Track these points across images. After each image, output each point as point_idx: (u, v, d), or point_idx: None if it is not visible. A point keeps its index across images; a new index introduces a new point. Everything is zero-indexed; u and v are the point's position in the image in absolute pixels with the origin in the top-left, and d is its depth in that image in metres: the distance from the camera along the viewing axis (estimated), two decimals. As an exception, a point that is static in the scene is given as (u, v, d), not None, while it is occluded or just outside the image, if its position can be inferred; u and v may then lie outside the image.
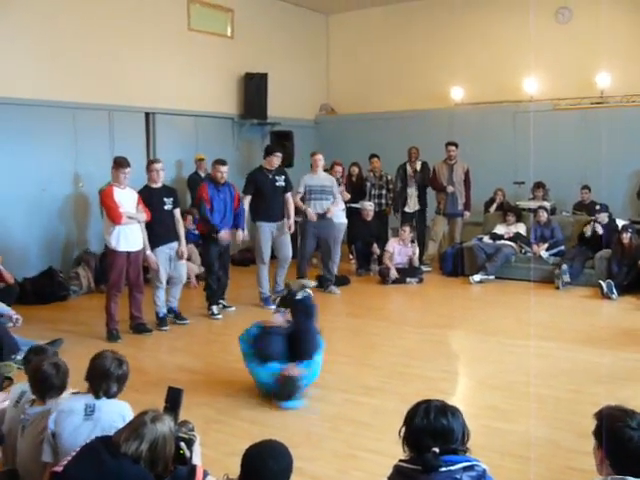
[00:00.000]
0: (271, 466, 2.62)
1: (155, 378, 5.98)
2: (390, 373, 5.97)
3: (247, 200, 8.49)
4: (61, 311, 8.63)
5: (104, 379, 3.44)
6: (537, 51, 11.97)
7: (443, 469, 2.52)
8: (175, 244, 7.71)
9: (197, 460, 3.11)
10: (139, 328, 7.42)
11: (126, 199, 7.13)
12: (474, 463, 2.58)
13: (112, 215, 7.02)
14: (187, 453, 3.07)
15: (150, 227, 7.45)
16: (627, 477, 2.42)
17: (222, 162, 8.14)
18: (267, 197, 8.51)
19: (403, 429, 2.69)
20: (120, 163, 7.19)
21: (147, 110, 11.02)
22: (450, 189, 10.85)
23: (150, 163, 7.77)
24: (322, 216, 9.23)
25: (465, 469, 2.54)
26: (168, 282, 7.76)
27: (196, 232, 9.27)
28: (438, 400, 2.75)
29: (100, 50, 10.08)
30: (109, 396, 3.46)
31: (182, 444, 3.08)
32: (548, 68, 11.88)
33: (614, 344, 6.72)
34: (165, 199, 7.61)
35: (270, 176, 8.54)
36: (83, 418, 3.35)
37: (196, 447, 3.14)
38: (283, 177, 8.68)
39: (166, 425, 2.92)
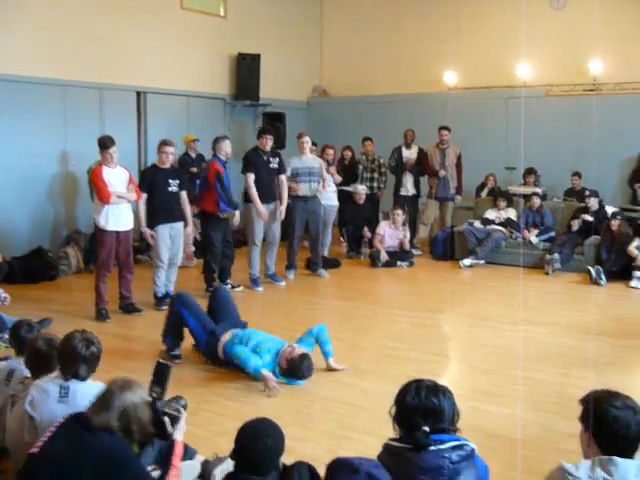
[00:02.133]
0: (264, 444, 2.64)
1: (145, 358, 5.97)
2: (380, 356, 5.99)
3: (251, 179, 8.41)
4: (50, 291, 8.60)
5: (71, 360, 3.40)
6: (531, 37, 11.96)
7: (433, 448, 2.54)
8: (178, 225, 7.67)
9: (179, 436, 3.10)
10: (129, 308, 7.40)
11: (116, 178, 7.09)
12: (463, 442, 2.61)
13: (101, 194, 7.00)
14: (169, 429, 3.08)
15: (151, 205, 7.47)
16: (614, 457, 2.44)
17: (228, 137, 8.43)
18: (261, 178, 8.48)
19: (394, 408, 2.71)
20: (104, 143, 7.15)
21: (138, 89, 10.94)
22: (442, 173, 10.85)
23: (162, 144, 7.66)
24: (310, 198, 9.20)
25: (454, 448, 2.56)
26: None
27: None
28: (429, 380, 2.77)
29: (92, 28, 9.99)
30: (79, 378, 3.40)
31: (166, 419, 3.09)
32: (541, 54, 11.86)
33: (602, 329, 6.75)
34: (170, 180, 7.59)
35: (265, 157, 8.54)
36: (57, 400, 3.33)
37: (181, 424, 3.14)
38: (277, 159, 8.68)
39: (136, 393, 2.94)
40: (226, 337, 5.57)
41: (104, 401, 2.89)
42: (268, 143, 8.53)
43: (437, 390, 2.70)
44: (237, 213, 8.34)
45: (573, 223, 9.92)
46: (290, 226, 9.28)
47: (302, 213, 9.14)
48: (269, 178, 8.57)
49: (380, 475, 2.33)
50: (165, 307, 7.50)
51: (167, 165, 7.63)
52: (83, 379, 3.41)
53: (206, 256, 8.42)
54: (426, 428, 2.58)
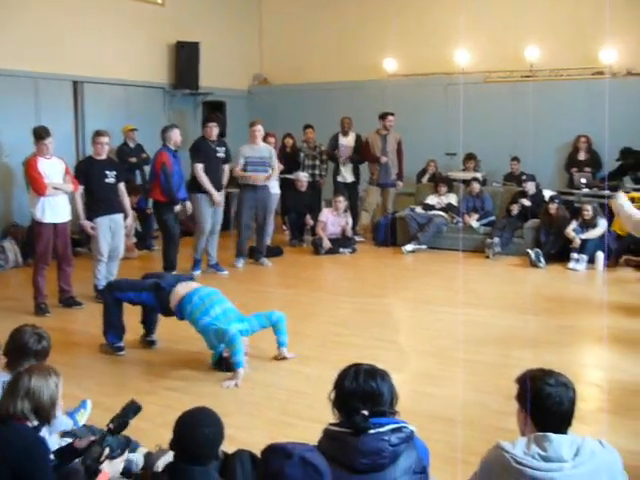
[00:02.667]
0: (202, 433, 2.63)
1: (86, 351, 5.91)
2: (323, 342, 6.02)
3: (200, 168, 8.42)
4: (-13, 286, 8.40)
5: (21, 354, 3.34)
6: (468, 23, 12.08)
7: (372, 431, 2.55)
8: (117, 217, 7.55)
9: (108, 469, 2.96)
10: (69, 302, 7.28)
11: (52, 169, 6.94)
12: (402, 425, 2.63)
13: (36, 186, 6.84)
14: (102, 458, 2.96)
15: (90, 197, 7.35)
16: (548, 433, 2.50)
17: (177, 126, 8.38)
18: (211, 167, 8.51)
19: (333, 393, 2.72)
20: (39, 134, 6.98)
21: (75, 78, 10.70)
22: (384, 159, 10.90)
23: (97, 135, 7.51)
24: (260, 187, 9.15)
25: (393, 430, 2.58)
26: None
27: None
28: (368, 364, 2.78)
29: (25, 16, 9.73)
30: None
31: (106, 450, 2.97)
32: (480, 41, 11.98)
33: (540, 310, 6.91)
34: (107, 172, 7.45)
35: (212, 146, 8.56)
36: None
37: (116, 461, 3.02)
38: (224, 148, 8.75)
39: (44, 376, 2.95)
40: (181, 290, 5.48)
41: (10, 387, 2.92)
42: (214, 132, 8.57)
43: (375, 373, 2.71)
44: (188, 203, 8.37)
45: (512, 207, 10.11)
46: (239, 215, 9.28)
47: (251, 202, 9.09)
48: (217, 167, 8.61)
49: (313, 459, 2.33)
50: None
51: (103, 156, 7.49)
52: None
53: (164, 244, 8.42)
54: (365, 412, 2.59)
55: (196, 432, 2.62)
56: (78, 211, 7.30)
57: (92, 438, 3.14)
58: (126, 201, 7.72)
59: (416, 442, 2.67)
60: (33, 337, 3.36)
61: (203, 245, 8.72)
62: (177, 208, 8.24)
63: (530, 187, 10.10)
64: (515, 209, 10.05)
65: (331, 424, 2.69)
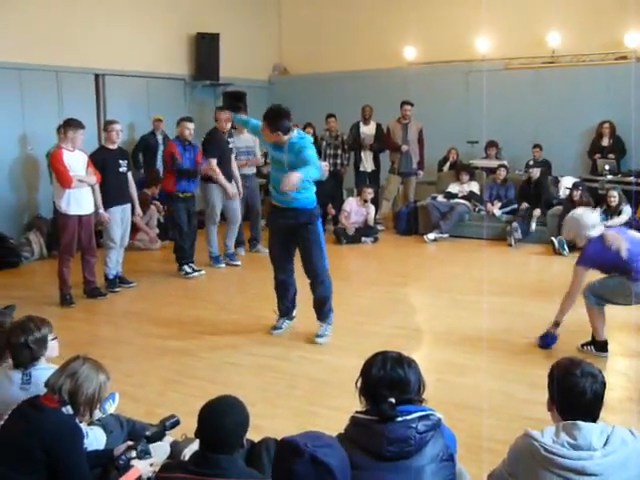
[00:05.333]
0: (227, 420, 2.64)
1: (110, 342, 5.96)
2: (346, 331, 6.02)
3: (214, 163, 8.35)
4: (13, 277, 8.48)
5: (12, 351, 3.39)
6: (489, 9, 11.94)
7: (399, 419, 2.56)
8: (127, 206, 7.66)
9: (140, 465, 3.10)
10: (93, 292, 7.34)
11: (76, 162, 6.98)
12: (429, 412, 2.62)
13: (62, 179, 6.88)
14: (133, 455, 3.12)
15: (104, 188, 7.37)
16: (577, 421, 2.49)
17: (189, 119, 8.26)
18: (222, 159, 8.46)
19: (359, 380, 2.73)
20: (77, 124, 7.00)
21: (97, 71, 10.77)
22: (405, 148, 10.87)
23: (109, 123, 7.63)
24: (249, 176, 9.21)
25: (421, 418, 2.57)
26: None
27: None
28: (394, 351, 2.79)
29: (47, 10, 9.80)
30: (29, 365, 3.40)
31: (133, 453, 3.13)
32: (500, 27, 11.89)
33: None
34: (120, 161, 7.54)
35: (225, 138, 8.54)
36: (20, 387, 3.33)
37: (147, 461, 3.14)
38: (233, 139, 8.84)
39: (97, 370, 3.02)
40: None
41: (65, 364, 3.01)
42: (228, 122, 8.48)
43: (402, 361, 2.71)
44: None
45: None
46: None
47: (243, 191, 8.99)
48: (229, 158, 8.61)
49: (326, 456, 2.31)
50: (119, 289, 7.54)
51: (115, 145, 7.56)
52: (25, 365, 3.39)
53: (174, 236, 8.45)
54: (392, 399, 2.59)
55: (221, 421, 2.63)
56: (97, 202, 7.31)
57: (129, 444, 3.23)
58: (133, 191, 7.80)
59: (443, 430, 2.66)
60: (18, 331, 3.40)
61: (215, 236, 8.69)
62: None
63: (535, 173, 10.10)
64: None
65: (358, 412, 2.69)
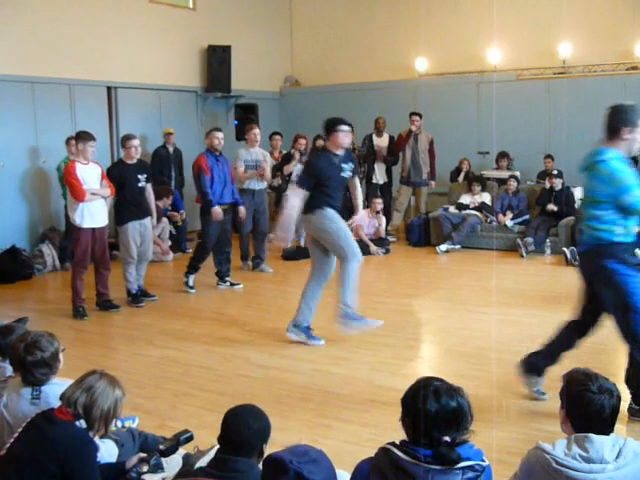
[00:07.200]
0: (250, 422, 2.68)
1: (123, 354, 5.98)
2: (358, 343, 6.00)
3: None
4: (26, 290, 8.53)
5: (20, 368, 3.38)
6: (500, 21, 11.99)
7: (460, 465, 2.32)
8: (146, 220, 7.60)
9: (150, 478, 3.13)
10: (106, 305, 7.35)
11: (89, 175, 7.00)
12: (476, 463, 2.39)
13: (75, 192, 6.90)
14: (144, 468, 3.13)
15: (121, 202, 7.40)
16: (589, 434, 2.48)
17: (218, 129, 8.14)
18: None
19: (404, 414, 2.48)
20: (86, 136, 7.02)
21: (109, 84, 10.87)
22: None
23: (127, 139, 7.53)
24: (258, 191, 9.03)
25: (468, 467, 2.36)
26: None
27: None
28: (436, 378, 2.55)
29: (60, 23, 9.92)
30: (36, 383, 3.35)
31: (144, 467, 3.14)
32: (511, 38, 11.91)
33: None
34: (139, 175, 7.49)
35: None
36: (30, 402, 3.31)
37: (158, 475, 3.18)
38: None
39: (113, 386, 3.01)
40: None
41: (81, 379, 3.00)
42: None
43: (453, 392, 2.46)
44: (242, 207, 8.35)
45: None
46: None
47: (250, 206, 8.83)
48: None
49: (312, 474, 2.24)
50: (142, 304, 7.51)
51: (134, 160, 7.52)
52: (40, 383, 3.36)
53: (197, 245, 8.38)
54: (447, 438, 2.35)
55: (244, 422, 2.67)
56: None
57: (141, 455, 3.24)
58: (151, 202, 7.74)
59: (486, 474, 2.43)
60: (24, 349, 3.35)
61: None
62: (217, 213, 7.84)
63: (557, 184, 10.03)
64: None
65: (395, 445, 2.43)
